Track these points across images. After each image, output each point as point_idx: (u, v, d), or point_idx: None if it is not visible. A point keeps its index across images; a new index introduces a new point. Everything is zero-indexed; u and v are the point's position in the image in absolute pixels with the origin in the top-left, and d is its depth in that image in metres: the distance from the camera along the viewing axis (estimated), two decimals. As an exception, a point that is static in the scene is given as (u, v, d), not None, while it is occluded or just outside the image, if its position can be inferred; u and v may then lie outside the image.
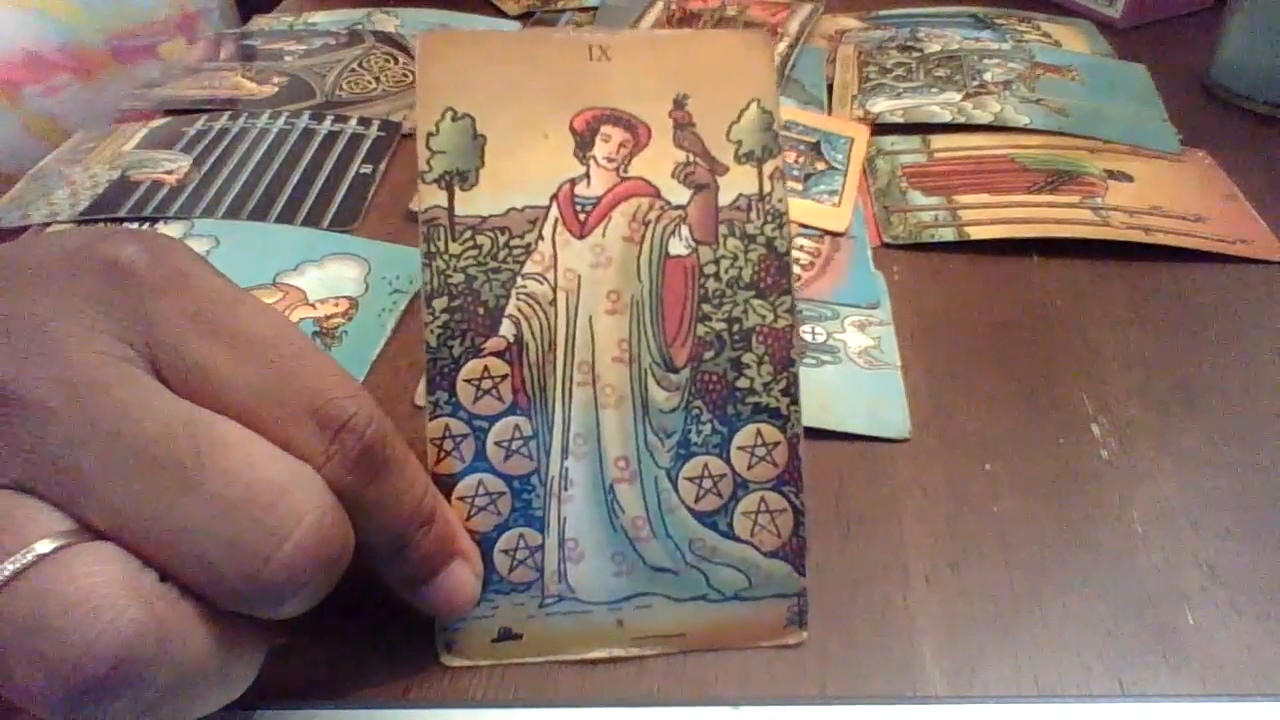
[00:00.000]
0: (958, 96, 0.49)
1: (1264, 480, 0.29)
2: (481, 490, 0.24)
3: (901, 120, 0.48)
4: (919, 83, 0.50)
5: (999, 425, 0.31)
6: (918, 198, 0.42)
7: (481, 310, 0.24)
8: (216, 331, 0.20)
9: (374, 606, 0.25)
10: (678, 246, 0.25)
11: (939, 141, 0.46)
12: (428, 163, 0.25)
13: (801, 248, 0.39)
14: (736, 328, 0.25)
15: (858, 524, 0.28)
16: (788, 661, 0.25)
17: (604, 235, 0.25)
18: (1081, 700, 0.24)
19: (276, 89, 0.51)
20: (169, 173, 0.43)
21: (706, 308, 0.25)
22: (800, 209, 0.41)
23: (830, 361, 0.33)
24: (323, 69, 0.53)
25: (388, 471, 0.21)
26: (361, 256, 0.39)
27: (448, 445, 0.24)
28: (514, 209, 0.25)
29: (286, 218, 0.41)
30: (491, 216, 0.25)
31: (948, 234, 0.40)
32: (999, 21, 0.58)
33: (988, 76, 0.51)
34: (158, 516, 0.18)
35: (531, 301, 0.24)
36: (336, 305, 0.36)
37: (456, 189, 0.25)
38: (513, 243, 0.24)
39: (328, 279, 0.37)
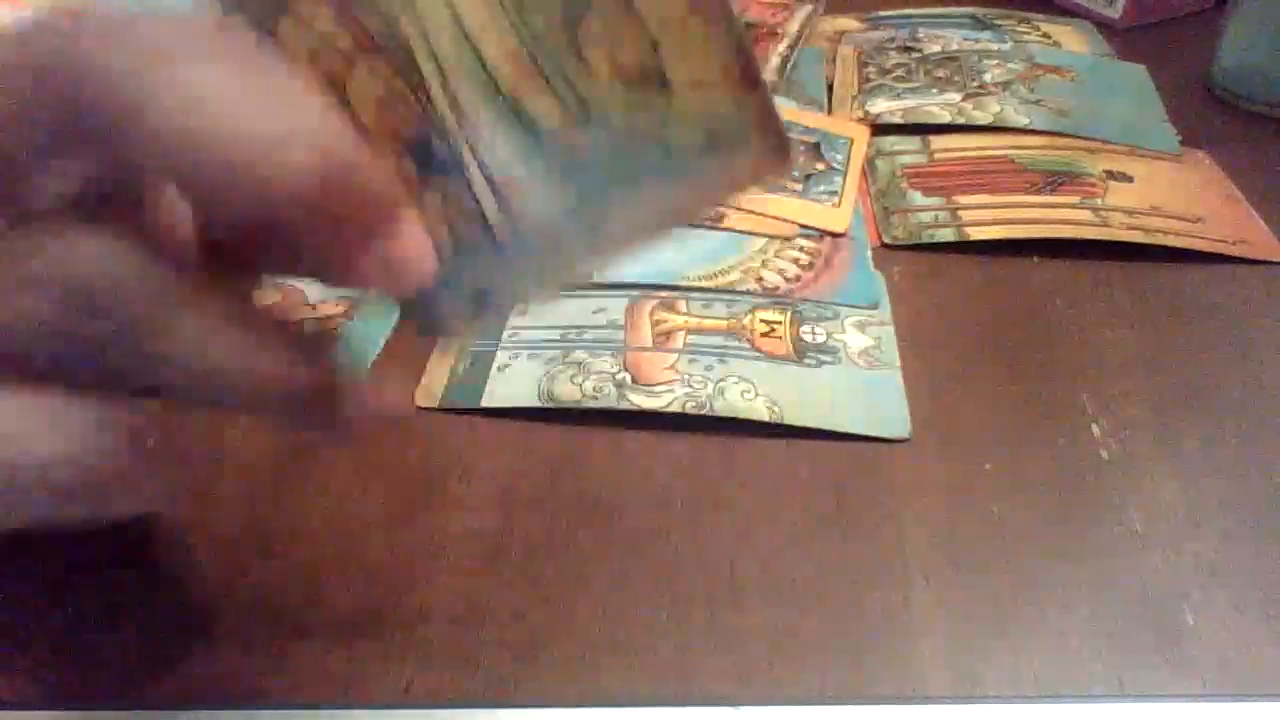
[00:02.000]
0: (958, 97, 0.49)
1: (1264, 480, 0.29)
2: None
3: (901, 121, 0.47)
4: (919, 83, 0.51)
5: (999, 425, 0.31)
6: (918, 198, 0.42)
7: None
8: None
9: (372, 605, 0.25)
10: None
11: (939, 142, 0.46)
12: None
13: (802, 248, 0.39)
14: None
15: (858, 524, 0.28)
16: (788, 661, 0.25)
17: None
18: (1081, 700, 0.24)
19: (277, 90, 0.51)
20: (169, 173, 0.43)
21: None
22: (800, 209, 0.41)
23: (830, 362, 0.33)
24: (323, 70, 0.53)
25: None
26: (362, 257, 0.39)
27: None
28: None
29: (287, 218, 0.41)
30: None
31: (948, 234, 0.40)
32: (998, 22, 0.58)
33: (987, 77, 0.51)
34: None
35: None
36: (336, 305, 0.36)
37: None
38: None
39: (328, 279, 0.37)
